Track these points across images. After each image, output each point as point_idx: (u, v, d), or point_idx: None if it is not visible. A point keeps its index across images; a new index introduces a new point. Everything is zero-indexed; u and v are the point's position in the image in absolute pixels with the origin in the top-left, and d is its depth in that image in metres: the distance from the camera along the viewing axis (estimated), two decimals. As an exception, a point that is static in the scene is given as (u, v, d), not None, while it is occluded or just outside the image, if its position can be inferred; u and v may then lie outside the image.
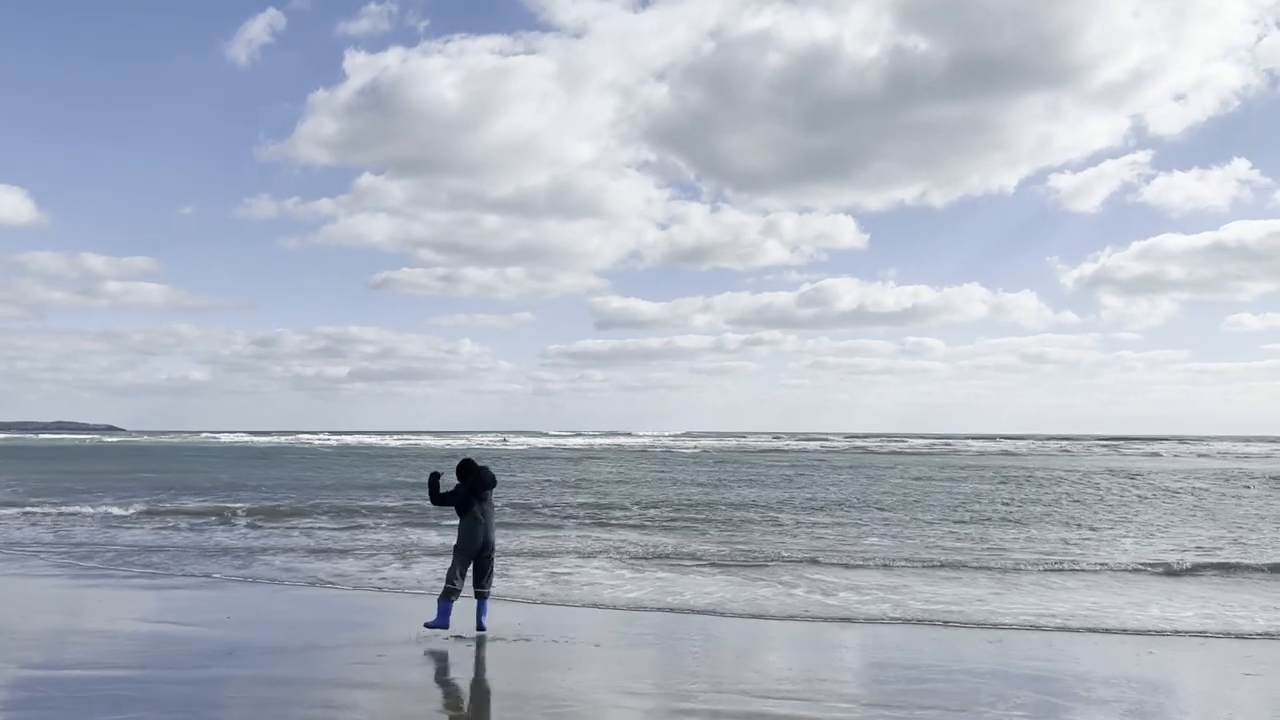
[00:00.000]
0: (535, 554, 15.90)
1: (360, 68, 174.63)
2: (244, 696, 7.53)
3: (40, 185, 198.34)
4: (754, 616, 11.19)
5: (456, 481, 9.83)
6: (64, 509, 22.62)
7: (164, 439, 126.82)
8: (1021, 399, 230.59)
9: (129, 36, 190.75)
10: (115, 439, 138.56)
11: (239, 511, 22.00)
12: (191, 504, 24.44)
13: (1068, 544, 17.84)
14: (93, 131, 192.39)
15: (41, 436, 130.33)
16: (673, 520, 21.73)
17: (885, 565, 14.90)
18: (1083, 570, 14.69)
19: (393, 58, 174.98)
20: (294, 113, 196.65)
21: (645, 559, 15.61)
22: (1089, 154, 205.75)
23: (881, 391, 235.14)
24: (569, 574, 13.98)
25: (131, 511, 22.00)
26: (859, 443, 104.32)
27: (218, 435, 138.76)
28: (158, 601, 12.06)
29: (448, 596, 9.57)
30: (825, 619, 11.16)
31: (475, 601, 9.73)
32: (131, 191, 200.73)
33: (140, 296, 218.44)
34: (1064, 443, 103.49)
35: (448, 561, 10.12)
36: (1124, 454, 72.76)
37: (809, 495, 29.20)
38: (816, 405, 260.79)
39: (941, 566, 14.87)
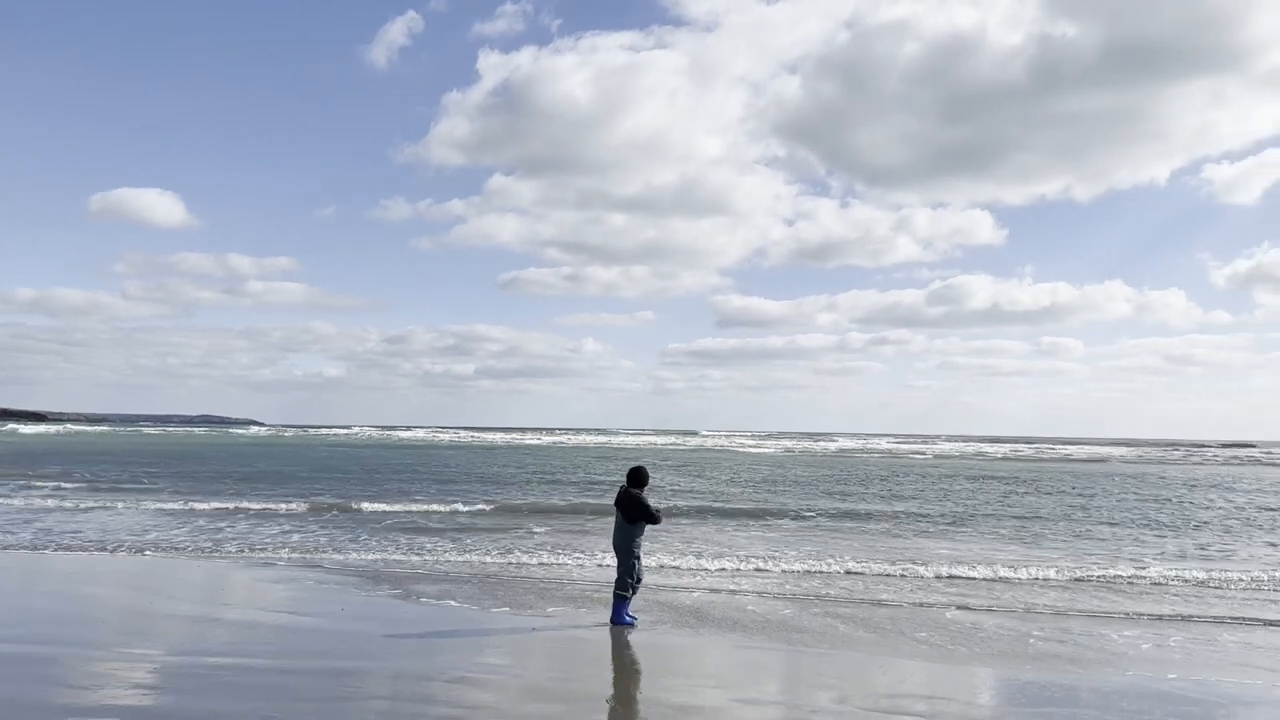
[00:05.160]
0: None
1: (493, 68, 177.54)
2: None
3: (190, 189, 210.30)
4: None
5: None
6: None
7: (310, 433, 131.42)
8: (1165, 403, 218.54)
9: (272, 44, 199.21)
10: (265, 431, 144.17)
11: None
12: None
13: None
14: (238, 136, 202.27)
15: (197, 431, 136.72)
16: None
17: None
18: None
19: (525, 57, 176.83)
20: (428, 114, 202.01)
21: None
22: (1250, 143, 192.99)
23: (1013, 394, 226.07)
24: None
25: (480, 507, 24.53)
26: (1006, 447, 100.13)
27: (353, 429, 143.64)
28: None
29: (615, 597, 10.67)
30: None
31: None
32: (275, 194, 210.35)
33: (281, 295, 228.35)
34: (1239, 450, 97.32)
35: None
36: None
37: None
38: (943, 408, 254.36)
39: None
